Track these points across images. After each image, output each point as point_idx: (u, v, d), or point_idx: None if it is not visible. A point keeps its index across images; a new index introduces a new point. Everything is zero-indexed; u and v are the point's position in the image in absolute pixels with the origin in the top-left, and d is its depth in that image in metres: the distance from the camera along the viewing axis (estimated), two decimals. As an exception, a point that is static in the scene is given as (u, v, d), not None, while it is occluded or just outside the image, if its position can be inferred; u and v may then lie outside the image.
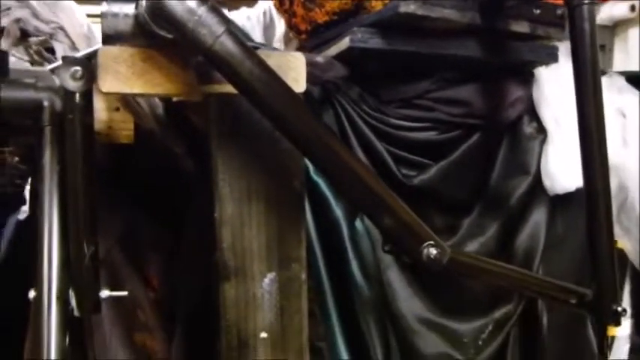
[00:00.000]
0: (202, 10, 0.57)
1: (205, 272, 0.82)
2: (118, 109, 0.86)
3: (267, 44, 1.67)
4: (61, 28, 0.83)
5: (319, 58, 0.92)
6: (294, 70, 0.69)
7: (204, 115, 0.71)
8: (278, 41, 1.89)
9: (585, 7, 0.73)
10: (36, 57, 0.87)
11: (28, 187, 1.23)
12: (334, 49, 0.91)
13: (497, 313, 0.96)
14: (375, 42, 0.88)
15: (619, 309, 0.76)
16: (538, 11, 0.92)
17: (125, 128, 0.87)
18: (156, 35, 0.61)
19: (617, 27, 2.21)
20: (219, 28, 0.57)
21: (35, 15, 0.82)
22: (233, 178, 0.68)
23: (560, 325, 0.99)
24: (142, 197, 0.90)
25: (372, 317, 0.85)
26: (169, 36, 0.61)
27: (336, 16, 0.97)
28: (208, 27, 0.57)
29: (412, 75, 0.95)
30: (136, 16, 0.63)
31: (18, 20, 0.82)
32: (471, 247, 0.99)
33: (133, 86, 0.64)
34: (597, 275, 0.77)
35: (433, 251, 0.66)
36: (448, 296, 0.96)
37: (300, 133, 0.61)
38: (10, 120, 0.79)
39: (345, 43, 0.87)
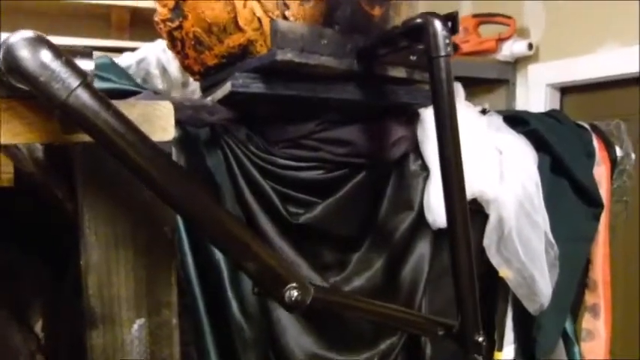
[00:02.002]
0: (56, 65, 0.58)
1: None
2: (-4, 152, 0.85)
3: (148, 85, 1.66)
4: None
5: (206, 101, 0.95)
6: (161, 119, 0.70)
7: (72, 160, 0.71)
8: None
9: (442, 59, 0.79)
10: None
11: None
12: (220, 93, 0.94)
13: (383, 345, 1.00)
14: (257, 87, 0.91)
15: (480, 339, 0.81)
16: (414, 58, 0.98)
17: (5, 171, 0.86)
18: (15, 88, 0.62)
19: (517, 63, 2.38)
20: (74, 82, 0.59)
21: None
22: (99, 225, 0.68)
23: (444, 355, 1.04)
24: (23, 240, 0.89)
25: (255, 357, 0.86)
26: (26, 88, 0.61)
27: (225, 59, 1.00)
28: (62, 81, 0.58)
29: (297, 117, 0.99)
30: (-5, 67, 0.63)
31: None
32: (358, 282, 1.03)
33: (-7, 136, 0.64)
34: (460, 307, 0.82)
35: (295, 293, 0.69)
36: (335, 330, 0.98)
37: (161, 183, 0.63)
38: None
39: (227, 87, 0.90)
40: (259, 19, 0.94)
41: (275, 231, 0.95)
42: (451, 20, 0.82)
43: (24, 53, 0.58)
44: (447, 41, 0.81)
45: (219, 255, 0.85)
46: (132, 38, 2.62)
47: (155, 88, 1.59)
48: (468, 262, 0.82)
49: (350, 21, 0.97)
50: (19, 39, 0.59)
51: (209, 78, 1.05)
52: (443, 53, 0.80)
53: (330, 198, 1.01)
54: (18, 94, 0.64)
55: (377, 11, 1.01)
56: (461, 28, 2.28)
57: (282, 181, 0.98)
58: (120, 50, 2.52)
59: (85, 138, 0.66)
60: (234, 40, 0.97)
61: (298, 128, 0.99)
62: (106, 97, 0.62)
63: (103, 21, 2.74)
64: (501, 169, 1.14)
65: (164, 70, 1.81)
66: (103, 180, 0.69)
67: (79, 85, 0.59)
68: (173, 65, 1.85)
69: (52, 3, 2.58)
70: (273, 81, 0.92)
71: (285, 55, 0.87)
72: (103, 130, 0.60)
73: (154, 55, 1.83)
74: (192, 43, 1.02)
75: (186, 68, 1.09)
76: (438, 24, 0.81)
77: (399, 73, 1.00)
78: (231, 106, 0.95)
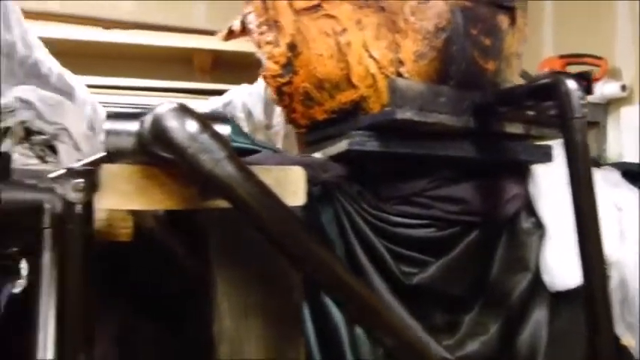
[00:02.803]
0: (204, 137, 0.58)
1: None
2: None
3: (268, 124, 1.69)
4: (65, 129, 0.84)
5: (319, 159, 0.94)
6: (293, 184, 0.69)
7: (205, 227, 0.71)
8: (278, 116, 1.92)
9: (577, 121, 0.75)
10: (40, 155, 0.89)
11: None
12: (334, 149, 0.93)
13: None
14: (372, 145, 0.89)
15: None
16: (532, 113, 0.94)
17: (124, 226, 0.87)
18: (157, 155, 0.62)
19: (609, 105, 2.28)
20: (220, 154, 0.58)
21: (40, 116, 0.84)
22: (232, 294, 0.67)
23: None
24: (139, 297, 0.89)
25: None
26: (170, 157, 0.62)
27: (335, 114, 0.99)
28: (209, 153, 0.58)
29: (410, 173, 0.96)
30: (139, 135, 0.64)
31: (23, 121, 0.84)
32: (473, 346, 0.98)
33: (134, 203, 0.64)
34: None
35: (434, 370, 0.65)
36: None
37: (300, 255, 0.61)
38: (11, 221, 0.79)
39: (343, 145, 0.89)
40: (373, 76, 0.93)
41: (388, 291, 0.92)
42: (585, 80, 0.78)
43: (173, 124, 0.58)
44: (582, 102, 0.76)
45: (338, 319, 0.83)
46: (214, 80, 2.70)
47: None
48: (608, 330, 0.76)
49: (465, 76, 0.95)
50: (166, 110, 0.60)
51: (316, 132, 1.04)
52: (578, 115, 0.76)
53: (443, 257, 0.97)
54: (158, 162, 0.64)
55: (491, 65, 0.98)
56: (547, 69, 2.21)
57: (394, 238, 0.95)
58: (202, 92, 2.60)
59: (221, 205, 0.66)
60: (346, 97, 0.96)
61: (411, 185, 0.96)
62: (247, 166, 0.61)
63: (186, 64, 2.83)
64: (621, 228, 1.07)
65: (249, 114, 1.85)
66: (237, 247, 0.68)
67: (224, 157, 0.59)
68: (258, 108, 1.88)
69: (139, 47, 2.70)
70: (389, 139, 0.90)
71: (405, 114, 0.85)
72: (245, 199, 0.59)
73: (239, 99, 1.86)
74: (302, 98, 1.01)
75: (291, 121, 1.09)
76: (571, 84, 0.77)
77: (516, 129, 0.96)
78: (344, 163, 0.94)
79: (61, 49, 1.66)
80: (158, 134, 0.59)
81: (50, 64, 1.59)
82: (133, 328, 0.88)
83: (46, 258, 0.75)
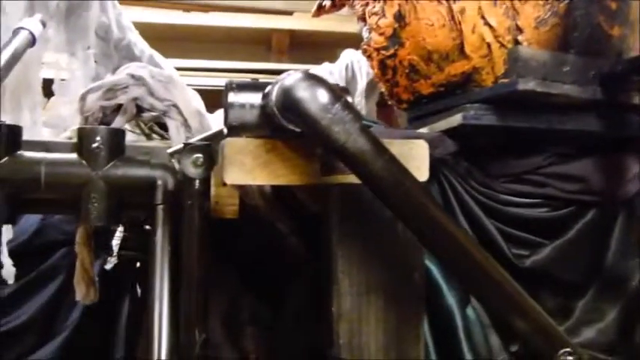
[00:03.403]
0: (336, 108, 0.56)
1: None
2: (224, 184, 0.86)
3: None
4: (175, 106, 0.85)
5: (428, 134, 0.90)
6: (416, 159, 0.66)
7: (321, 202, 0.69)
8: (359, 95, 1.89)
9: None
10: (148, 132, 0.89)
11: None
12: (443, 124, 0.88)
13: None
14: (489, 119, 0.84)
15: None
16: (665, 84, 0.86)
17: (231, 203, 0.86)
18: (283, 128, 0.60)
19: None
20: (353, 126, 0.56)
21: (151, 93, 0.84)
22: (353, 272, 0.65)
23: None
24: (245, 274, 0.89)
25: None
26: (297, 129, 0.59)
27: (443, 87, 0.94)
28: (342, 125, 0.55)
29: (522, 149, 0.90)
30: (263, 107, 0.62)
31: (135, 98, 0.84)
32: (588, 333, 0.92)
33: (257, 177, 0.63)
34: None
35: (570, 359, 0.61)
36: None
37: (429, 232, 0.58)
38: (124, 197, 0.80)
39: (457, 119, 0.85)
40: (488, 45, 0.88)
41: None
42: None
43: (305, 95, 0.56)
44: None
45: (451, 301, 0.79)
46: (292, 61, 2.69)
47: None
48: None
49: (589, 43, 0.87)
50: (297, 80, 0.58)
51: (420, 107, 1.00)
52: None
53: (557, 239, 0.91)
54: (282, 134, 0.63)
55: (616, 31, 0.90)
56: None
57: (504, 218, 0.90)
58: (279, 72, 2.59)
59: (344, 179, 0.63)
60: (457, 68, 0.91)
61: (524, 162, 0.90)
62: (379, 139, 0.58)
63: (264, 44, 2.84)
64: None
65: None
66: (358, 225, 0.65)
67: (356, 130, 0.56)
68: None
69: (217, 29, 2.72)
70: (507, 112, 0.84)
71: (527, 85, 0.80)
72: (378, 173, 0.57)
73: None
74: (407, 71, 0.97)
75: (393, 96, 1.05)
76: None
77: (647, 101, 0.88)
78: (454, 138, 0.89)
79: (141, 33, 1.69)
80: (289, 106, 0.57)
81: (142, 46, 1.63)
82: (241, 306, 0.88)
83: (159, 234, 0.76)
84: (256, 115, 0.63)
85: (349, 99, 0.62)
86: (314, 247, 0.80)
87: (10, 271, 1.42)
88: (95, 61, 1.52)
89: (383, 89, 1.08)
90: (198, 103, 0.88)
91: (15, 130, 0.76)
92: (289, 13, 2.71)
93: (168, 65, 1.64)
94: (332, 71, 1.94)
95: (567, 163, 0.90)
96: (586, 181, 0.91)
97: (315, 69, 1.96)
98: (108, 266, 1.39)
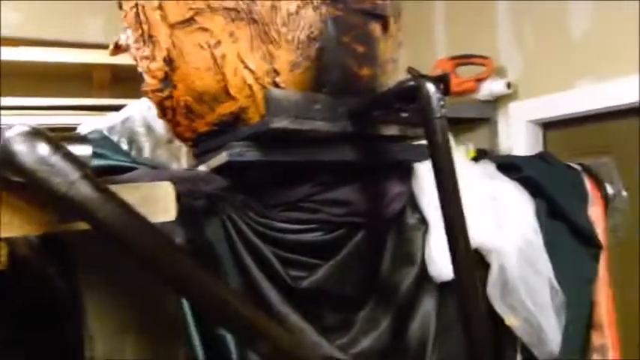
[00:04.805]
0: (55, 159, 0.57)
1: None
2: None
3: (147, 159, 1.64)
4: None
5: (201, 171, 0.94)
6: (163, 200, 0.69)
7: (71, 249, 0.69)
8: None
9: (437, 121, 0.80)
10: None
11: None
12: (215, 161, 0.93)
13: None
14: (252, 155, 0.91)
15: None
16: (405, 115, 0.99)
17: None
18: (9, 180, 0.60)
19: (498, 101, 2.43)
20: (74, 175, 0.58)
21: None
22: (103, 313, 0.66)
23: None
24: (19, 320, 0.85)
25: None
26: (23, 181, 0.60)
27: (216, 126, 0.99)
28: (62, 175, 0.57)
29: (293, 180, 0.98)
30: (-10, 161, 0.62)
31: None
32: (366, 342, 1.01)
33: (-11, 232, 0.62)
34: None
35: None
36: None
37: (165, 270, 0.61)
38: None
39: (223, 157, 0.90)
40: (250, 87, 0.95)
41: (278, 297, 0.93)
42: (443, 82, 0.83)
43: (21, 148, 0.57)
44: (442, 103, 0.81)
45: (228, 338, 0.83)
46: (112, 96, 2.63)
47: (141, 146, 1.59)
48: (478, 314, 0.81)
49: (340, 83, 0.98)
50: (15, 133, 0.58)
51: (202, 144, 1.05)
52: (438, 115, 0.81)
53: (331, 259, 0.99)
54: (12, 186, 0.62)
55: (365, 71, 1.02)
56: (439, 70, 2.32)
57: (282, 244, 0.96)
58: (101, 108, 2.52)
59: (82, 226, 0.65)
60: (226, 108, 0.97)
61: (295, 192, 0.98)
62: (107, 186, 0.61)
63: (85, 80, 2.74)
64: (498, 218, 1.14)
65: (149, 128, 1.81)
66: (104, 268, 0.67)
67: (79, 178, 0.58)
68: (158, 123, 1.84)
69: (36, 64, 2.58)
70: (269, 148, 0.91)
71: (280, 123, 0.87)
72: (104, 220, 0.59)
73: (139, 114, 1.82)
74: (184, 111, 1.01)
75: (177, 135, 1.08)
76: (430, 87, 0.82)
77: (392, 131, 1.00)
78: (227, 174, 0.94)
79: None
80: (7, 158, 0.57)
81: None
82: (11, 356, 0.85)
83: None
84: (-16, 168, 0.62)
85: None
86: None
87: None
88: None
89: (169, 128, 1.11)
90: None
91: None
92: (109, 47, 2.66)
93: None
94: (150, 106, 1.92)
95: (333, 189, 0.99)
96: (352, 204, 1.01)
97: (133, 104, 1.93)
98: None
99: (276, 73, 0.95)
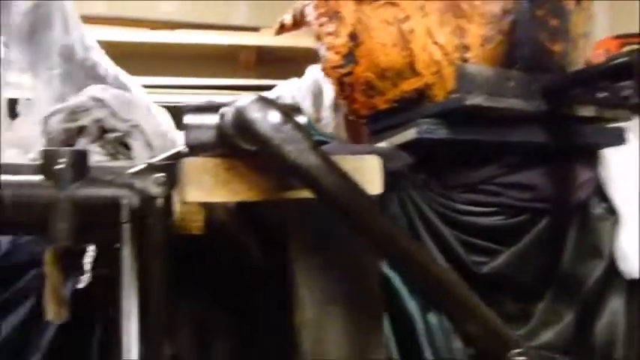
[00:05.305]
0: (287, 128, 0.58)
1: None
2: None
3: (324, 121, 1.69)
4: (137, 126, 0.86)
5: (384, 148, 0.93)
6: (368, 173, 0.69)
7: (280, 216, 0.71)
8: (327, 108, 1.92)
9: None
10: (113, 152, 0.91)
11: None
12: (400, 138, 0.92)
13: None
14: (441, 132, 0.88)
15: None
16: (604, 95, 0.91)
17: (196, 220, 0.88)
18: (239, 147, 0.63)
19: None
20: (304, 144, 0.59)
21: (113, 114, 0.86)
22: (312, 283, 0.67)
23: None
24: (211, 288, 0.90)
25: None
26: (252, 149, 0.62)
27: (397, 103, 0.98)
28: (293, 143, 0.58)
29: (477, 160, 0.94)
30: (219, 128, 0.65)
31: (97, 120, 0.86)
32: (546, 335, 0.95)
33: (216, 195, 0.65)
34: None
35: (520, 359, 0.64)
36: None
37: (384, 241, 0.61)
38: (90, 217, 0.81)
39: (411, 133, 0.88)
40: (438, 63, 0.92)
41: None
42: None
43: (257, 116, 0.59)
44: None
45: (412, 307, 0.82)
46: (258, 76, 2.71)
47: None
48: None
49: (532, 59, 0.92)
50: (249, 102, 0.60)
51: (378, 122, 1.04)
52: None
53: (513, 246, 0.95)
54: (238, 152, 0.65)
55: (558, 47, 0.96)
56: (602, 50, 2.14)
57: (462, 227, 0.93)
58: (246, 89, 2.61)
59: (300, 195, 0.66)
60: (410, 85, 0.95)
61: (479, 173, 0.94)
62: (330, 156, 0.61)
63: (230, 60, 2.86)
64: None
65: (298, 109, 1.85)
66: (315, 237, 0.68)
67: (308, 147, 0.59)
68: (307, 102, 1.88)
69: (184, 46, 2.73)
70: (457, 126, 0.88)
71: (474, 100, 0.84)
72: (330, 188, 0.59)
73: (288, 94, 1.87)
74: (363, 88, 1.01)
75: (353, 113, 1.08)
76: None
77: (588, 112, 0.93)
78: (410, 152, 0.93)
79: (106, 52, 1.70)
80: (242, 126, 0.59)
81: (107, 66, 1.64)
82: (209, 320, 0.90)
83: (126, 252, 0.77)
84: (213, 135, 0.65)
85: (302, 118, 0.65)
86: (277, 260, 0.83)
87: (-18, 294, 1.41)
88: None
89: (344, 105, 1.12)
90: (166, 121, 0.89)
91: (-23, 155, 0.77)
92: (256, 29, 2.75)
93: (135, 84, 1.65)
94: (300, 86, 1.97)
95: (519, 172, 0.95)
96: (537, 189, 0.95)
97: (282, 84, 1.99)
98: (80, 285, 1.39)
99: (466, 48, 0.91)
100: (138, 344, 0.72)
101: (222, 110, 0.64)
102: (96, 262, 1.25)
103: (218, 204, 0.87)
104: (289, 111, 0.62)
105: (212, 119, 0.65)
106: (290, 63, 2.53)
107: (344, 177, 0.60)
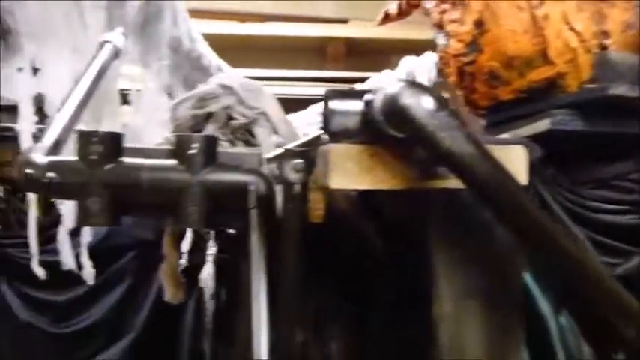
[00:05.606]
0: (442, 115, 0.57)
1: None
2: (318, 190, 0.88)
3: None
4: (264, 114, 0.87)
5: (513, 140, 0.90)
6: (514, 164, 0.66)
7: (415, 206, 0.70)
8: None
9: None
10: (232, 139, 0.92)
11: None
12: (528, 130, 0.88)
13: None
14: (576, 124, 0.84)
15: None
16: None
17: (317, 208, 0.88)
18: (384, 134, 0.62)
19: None
20: (458, 132, 0.57)
21: (240, 101, 0.87)
22: (452, 276, 0.66)
23: None
24: (333, 277, 0.91)
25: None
26: (400, 135, 0.61)
27: (524, 93, 0.94)
28: (448, 130, 0.56)
29: (610, 155, 0.89)
30: (364, 114, 0.64)
31: (225, 107, 0.88)
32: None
33: (361, 183, 0.64)
34: None
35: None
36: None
37: (530, 231, 0.58)
38: (219, 201, 0.82)
39: (544, 124, 0.84)
40: (573, 50, 0.87)
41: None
42: None
43: (411, 101, 0.57)
44: None
45: (545, 308, 0.79)
46: (347, 68, 2.70)
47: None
48: None
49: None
50: (401, 87, 0.59)
51: (498, 113, 1.00)
52: None
53: (648, 247, 0.89)
54: (383, 139, 0.64)
55: None
56: None
57: (593, 225, 0.89)
58: (335, 81, 2.61)
59: (444, 184, 0.64)
60: (540, 74, 0.91)
61: (611, 168, 0.89)
62: (484, 145, 0.59)
63: (319, 53, 2.87)
64: None
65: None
66: (457, 229, 0.66)
67: (463, 135, 0.57)
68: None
69: (271, 37, 2.76)
70: (595, 117, 0.84)
71: (618, 90, 0.79)
72: (483, 177, 0.57)
73: (382, 86, 1.84)
74: (485, 77, 0.97)
75: (470, 103, 1.05)
76: None
77: None
78: (539, 144, 0.89)
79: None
80: (394, 112, 0.58)
81: (210, 57, 1.68)
82: (331, 309, 0.90)
83: (255, 237, 0.78)
84: (357, 121, 0.64)
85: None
86: (397, 249, 0.81)
87: (89, 272, 1.50)
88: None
89: (460, 95, 1.08)
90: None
91: (117, 138, 0.81)
92: (345, 21, 2.74)
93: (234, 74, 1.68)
94: (393, 79, 1.95)
95: (656, 169, 0.89)
96: (677, 188, 0.89)
97: (375, 77, 1.97)
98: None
99: (606, 34, 0.86)
100: (267, 328, 0.72)
101: (366, 96, 0.64)
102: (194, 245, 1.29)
103: (339, 193, 0.87)
104: (443, 98, 0.60)
105: (356, 105, 0.65)
106: (379, 55, 2.51)
107: (497, 167, 0.58)
